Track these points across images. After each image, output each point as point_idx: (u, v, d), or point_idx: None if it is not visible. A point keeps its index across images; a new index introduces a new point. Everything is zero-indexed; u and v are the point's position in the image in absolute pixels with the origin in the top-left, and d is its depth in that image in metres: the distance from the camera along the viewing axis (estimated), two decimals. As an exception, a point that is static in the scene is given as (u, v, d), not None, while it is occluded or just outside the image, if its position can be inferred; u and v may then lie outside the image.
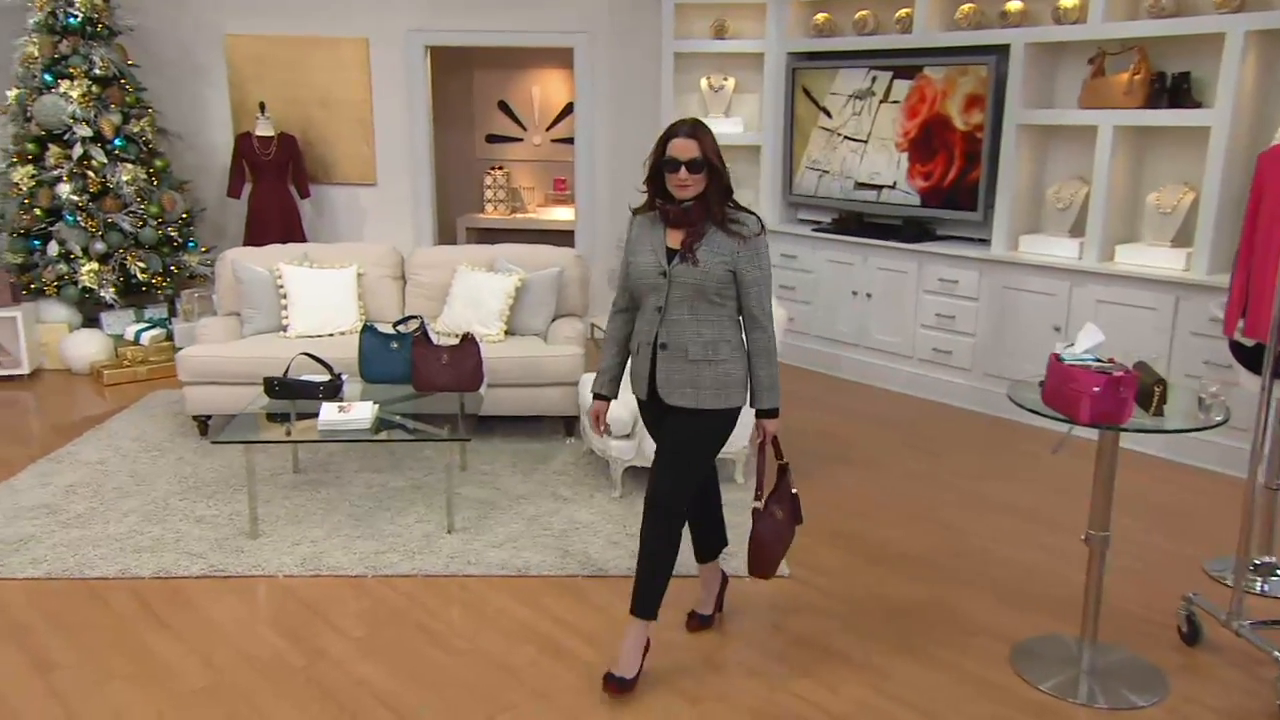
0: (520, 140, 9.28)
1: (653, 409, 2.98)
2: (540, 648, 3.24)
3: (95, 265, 6.28)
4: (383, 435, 4.08)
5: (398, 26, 7.18)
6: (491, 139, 9.28)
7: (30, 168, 6.30)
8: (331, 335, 5.12)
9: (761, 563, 3.16)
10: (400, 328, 4.59)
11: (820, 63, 6.62)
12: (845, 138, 6.50)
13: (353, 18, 7.18)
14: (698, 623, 3.34)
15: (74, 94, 6.27)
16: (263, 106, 6.94)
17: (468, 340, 4.41)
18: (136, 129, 6.51)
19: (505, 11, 7.15)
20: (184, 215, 6.73)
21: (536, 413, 5.07)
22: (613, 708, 2.91)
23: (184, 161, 7.09)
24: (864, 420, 5.67)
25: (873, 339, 6.33)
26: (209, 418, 5.02)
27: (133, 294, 6.50)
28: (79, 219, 6.27)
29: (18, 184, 6.30)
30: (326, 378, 4.31)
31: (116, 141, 6.40)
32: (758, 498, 3.09)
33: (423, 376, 4.35)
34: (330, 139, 7.29)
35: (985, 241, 5.81)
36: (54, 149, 6.30)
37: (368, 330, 4.52)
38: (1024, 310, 5.52)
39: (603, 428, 3.23)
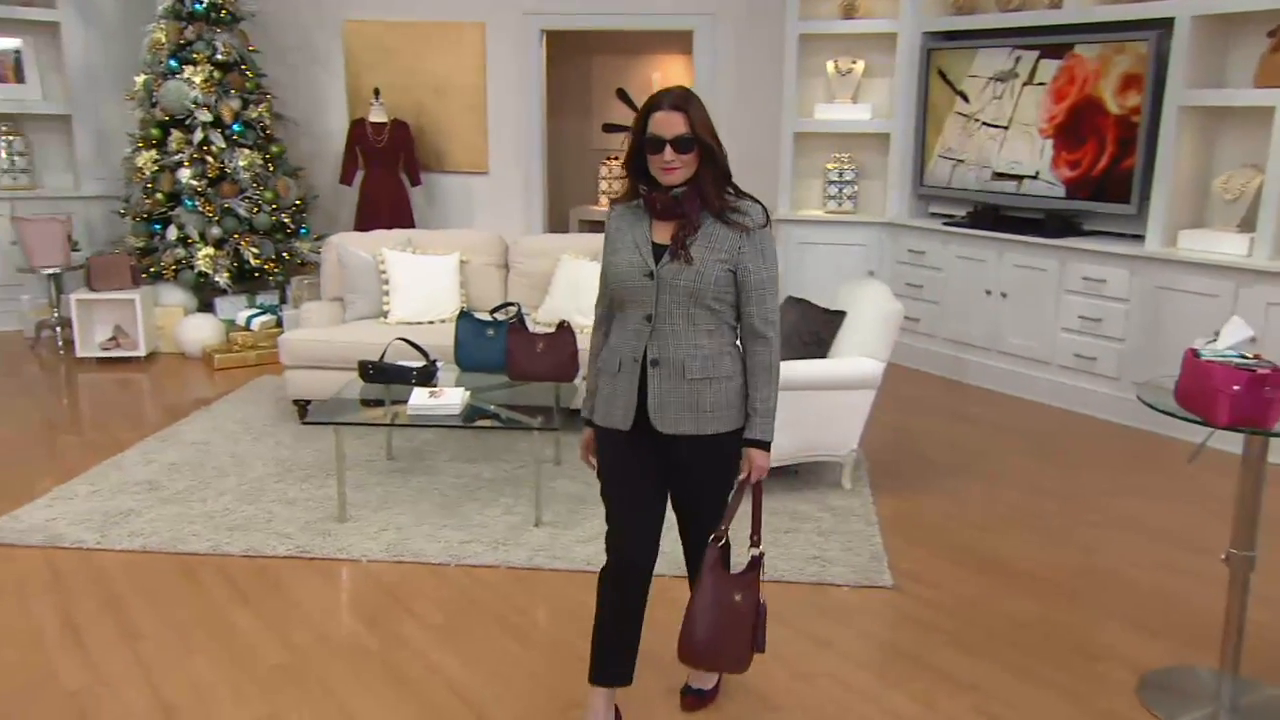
0: (639, 129, 9.36)
1: (636, 441, 2.51)
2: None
3: (211, 250, 6.67)
4: (473, 423, 4.18)
5: (514, 10, 7.36)
6: (608, 128, 9.40)
7: (154, 153, 6.74)
8: (431, 322, 5.28)
9: (691, 640, 2.51)
10: (497, 315, 4.70)
11: (959, 42, 6.45)
12: (983, 124, 6.30)
13: (471, 2, 7.40)
14: (694, 699, 2.90)
15: (197, 79, 6.68)
16: (377, 93, 7.23)
17: (563, 329, 4.47)
18: (255, 114, 6.88)
19: (626, -7, 7.24)
20: (298, 201, 7.07)
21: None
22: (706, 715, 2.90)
23: (299, 148, 7.46)
24: (993, 430, 5.47)
25: (1006, 343, 6.10)
26: (309, 402, 5.25)
27: (246, 280, 6.87)
28: (197, 204, 6.67)
29: (141, 169, 6.75)
30: (421, 363, 4.45)
31: (235, 127, 6.79)
32: (719, 532, 2.54)
33: (517, 364, 4.43)
34: (443, 126, 7.53)
35: (1138, 237, 5.53)
36: (176, 134, 6.72)
37: (464, 317, 4.65)
38: (1181, 313, 5.22)
39: (596, 460, 2.70)
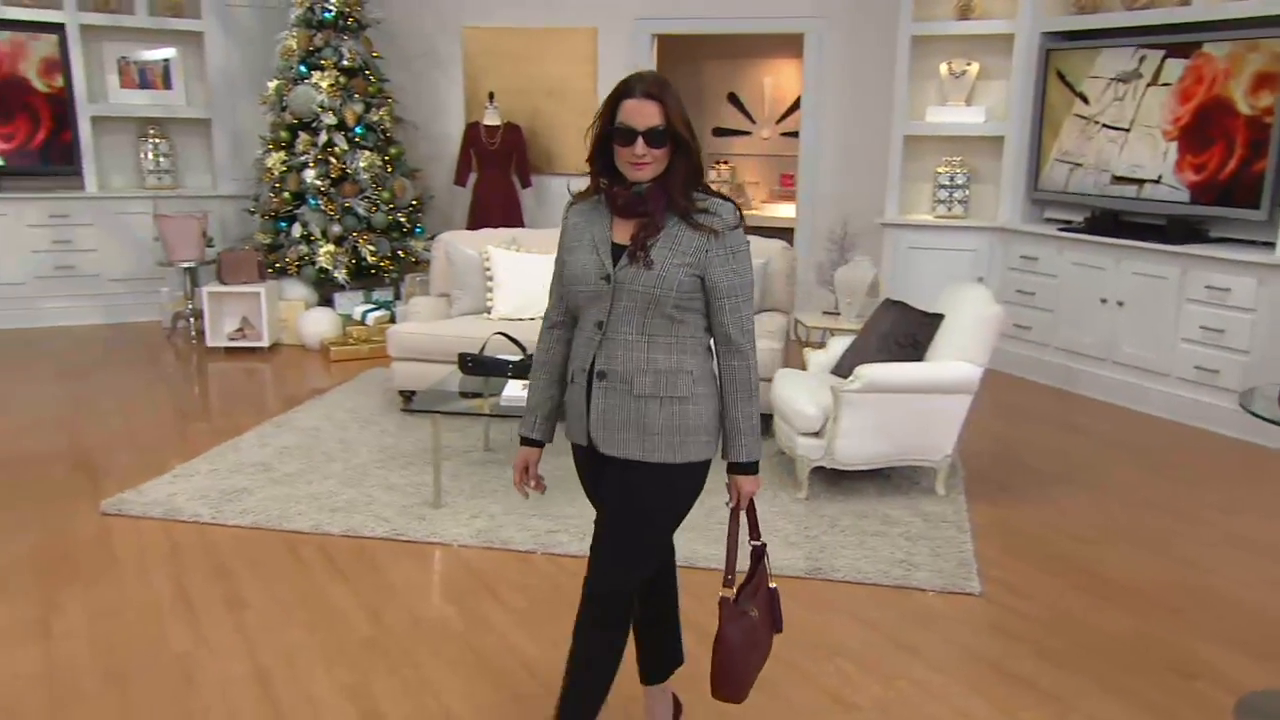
0: (748, 134, 9.36)
1: (590, 460, 2.31)
2: (696, 637, 3.26)
3: (331, 247, 6.97)
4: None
5: (626, 14, 7.46)
6: (718, 132, 9.43)
7: (282, 154, 7.09)
8: (532, 318, 5.37)
9: (729, 677, 2.34)
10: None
11: (1079, 43, 6.25)
12: (1103, 126, 6.09)
13: (584, 7, 7.54)
14: None
15: (324, 84, 7.00)
16: (491, 96, 7.43)
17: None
18: (376, 117, 7.16)
19: (737, -4, 7.26)
20: (414, 202, 7.33)
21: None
22: (760, 692, 2.90)
23: (418, 150, 7.73)
24: (1102, 442, 5.27)
25: (1121, 353, 5.87)
26: (414, 392, 5.43)
27: (363, 276, 7.15)
28: (320, 203, 6.98)
29: (270, 169, 7.10)
30: (519, 357, 4.55)
31: (357, 129, 7.08)
32: (727, 583, 2.32)
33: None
34: (555, 129, 7.69)
35: (1269, 244, 5.25)
36: (303, 136, 7.06)
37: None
38: (1311, 325, 4.94)
39: (533, 484, 2.46)
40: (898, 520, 4.17)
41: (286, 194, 7.08)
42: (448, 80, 7.91)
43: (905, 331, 4.52)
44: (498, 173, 7.36)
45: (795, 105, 8.87)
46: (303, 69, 7.07)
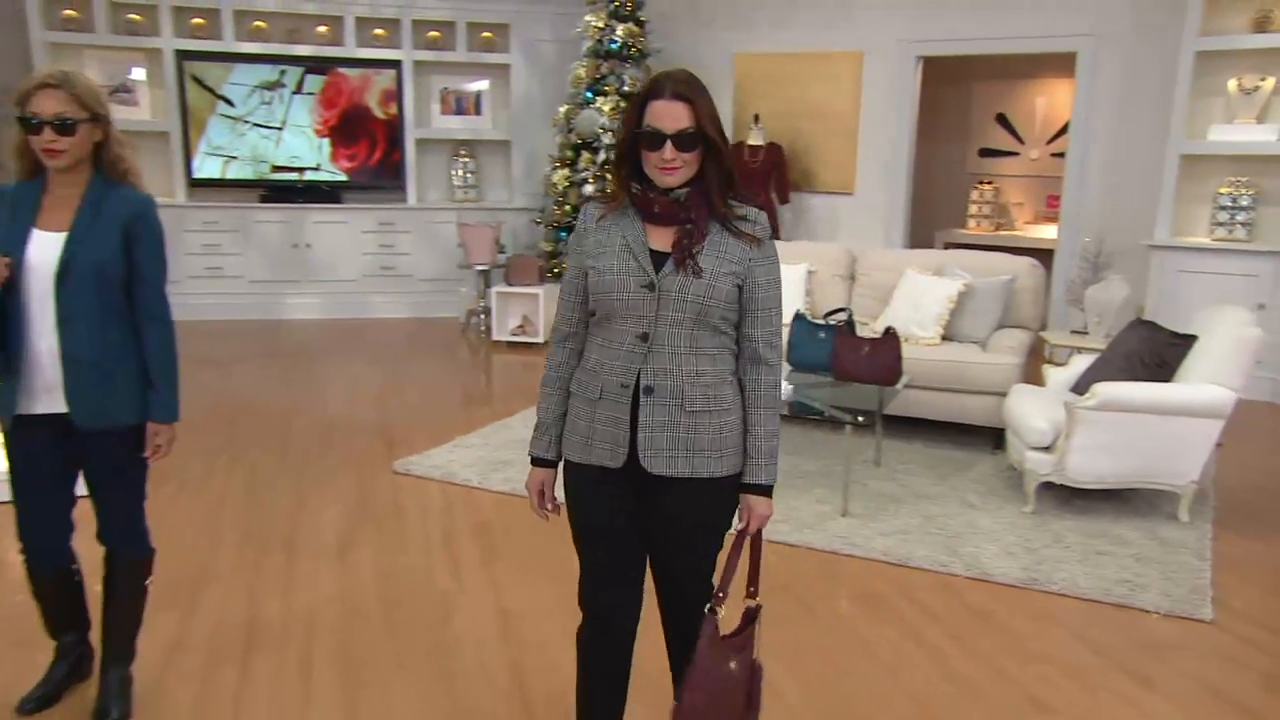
0: (1016, 154, 8.99)
1: (617, 480, 2.07)
2: (902, 633, 3.29)
3: (603, 255, 7.42)
4: (794, 414, 4.36)
5: (892, 38, 7.43)
6: (985, 153, 9.12)
7: (566, 171, 7.65)
8: (776, 325, 5.52)
9: (691, 709, 2.06)
10: (829, 319, 4.84)
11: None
12: None
13: (850, 32, 7.58)
14: None
15: (605, 108, 7.49)
16: (756, 118, 7.64)
17: (889, 334, 4.52)
18: (649, 139, 7.56)
19: (1008, 16, 7.03)
20: (679, 216, 7.66)
21: (964, 420, 5.01)
22: (956, 686, 2.88)
23: (687, 169, 8.06)
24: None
25: None
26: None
27: (630, 282, 7.56)
28: (596, 215, 7.46)
29: (556, 184, 7.69)
30: (756, 358, 4.70)
31: (632, 150, 7.50)
32: (718, 599, 2.08)
33: (842, 365, 4.55)
34: (815, 149, 7.77)
35: None
36: (585, 155, 7.58)
37: (798, 319, 4.84)
38: None
39: (550, 505, 2.24)
40: (1130, 542, 3.93)
41: (568, 206, 7.63)
42: (718, 103, 8.11)
43: (1152, 351, 4.25)
44: (756, 189, 7.54)
45: (1067, 126, 8.43)
46: (589, 95, 7.60)
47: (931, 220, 9.00)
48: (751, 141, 7.59)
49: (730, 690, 2.07)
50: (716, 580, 2.12)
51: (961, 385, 4.90)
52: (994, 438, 5.01)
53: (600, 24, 7.58)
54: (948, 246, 8.93)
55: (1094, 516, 4.18)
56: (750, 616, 2.12)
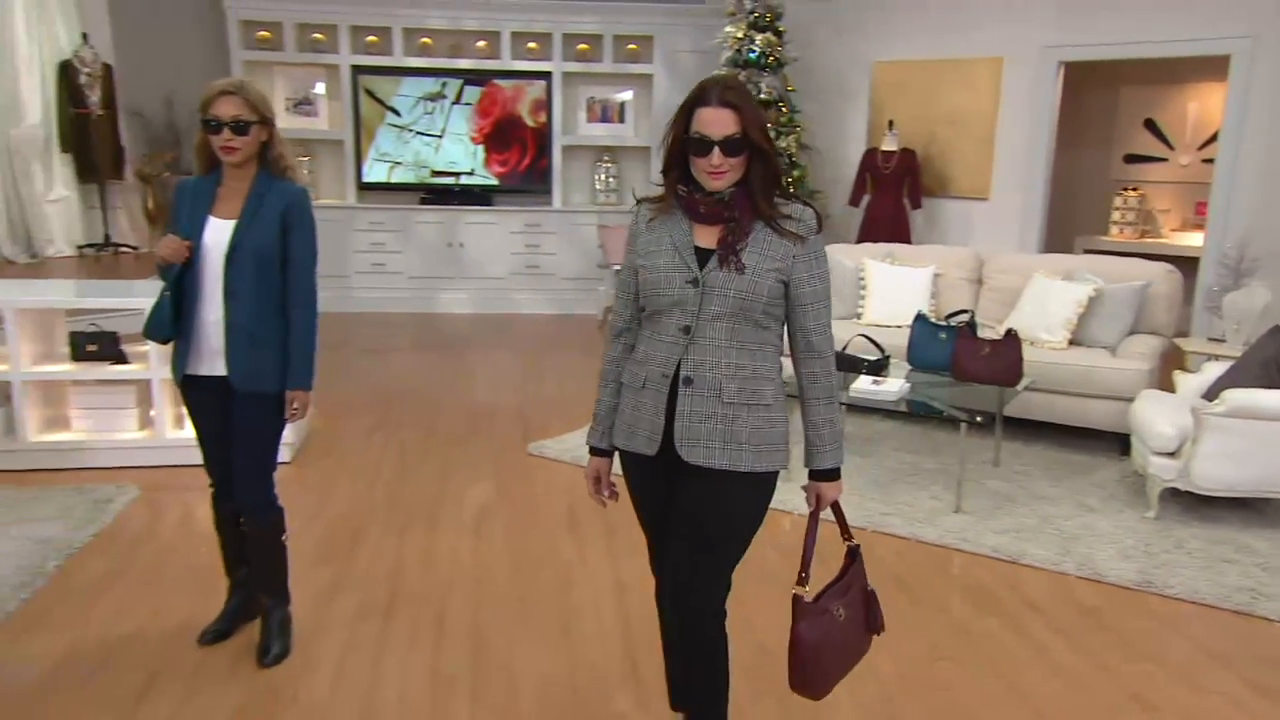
0: (1164, 160, 8.56)
1: (659, 469, 2.13)
2: (1002, 622, 3.28)
3: (735, 257, 7.52)
4: (908, 410, 4.36)
5: (1034, 43, 7.23)
6: (1130, 159, 8.73)
7: (702, 177, 7.77)
8: (899, 326, 5.47)
9: (806, 675, 2.15)
10: (951, 320, 4.79)
11: None
12: None
13: (991, 38, 7.42)
14: None
15: (741, 117, 7.57)
16: (891, 124, 7.58)
17: (1010, 336, 4.45)
18: (782, 144, 7.61)
19: (1158, 19, 6.75)
20: (811, 220, 7.68)
21: (1088, 425, 4.88)
22: (1061, 680, 2.86)
23: (821, 174, 8.07)
24: None
25: None
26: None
27: (761, 284, 7.62)
28: (730, 219, 7.57)
29: (690, 189, 7.82)
30: (875, 357, 4.71)
31: (767, 155, 7.57)
32: (800, 580, 2.14)
33: (961, 366, 4.51)
34: (949, 155, 7.64)
35: None
36: (720, 162, 7.68)
37: (919, 319, 4.82)
38: None
39: (607, 493, 2.31)
40: (1257, 552, 3.77)
41: (703, 210, 7.75)
42: (854, 110, 8.16)
43: (1290, 360, 4.05)
44: (889, 194, 7.48)
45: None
46: (726, 103, 7.70)
47: (1072, 226, 8.69)
48: (885, 147, 7.53)
49: (843, 629, 2.20)
50: (728, 576, 2.19)
51: (1087, 390, 4.77)
52: (1120, 444, 4.85)
53: (739, 34, 7.68)
54: (1087, 253, 8.61)
55: (1220, 525, 4.02)
56: (851, 555, 2.28)
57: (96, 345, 4.51)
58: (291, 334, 2.82)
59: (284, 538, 3.02)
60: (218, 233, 2.73)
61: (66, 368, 4.52)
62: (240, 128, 2.66)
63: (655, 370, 2.10)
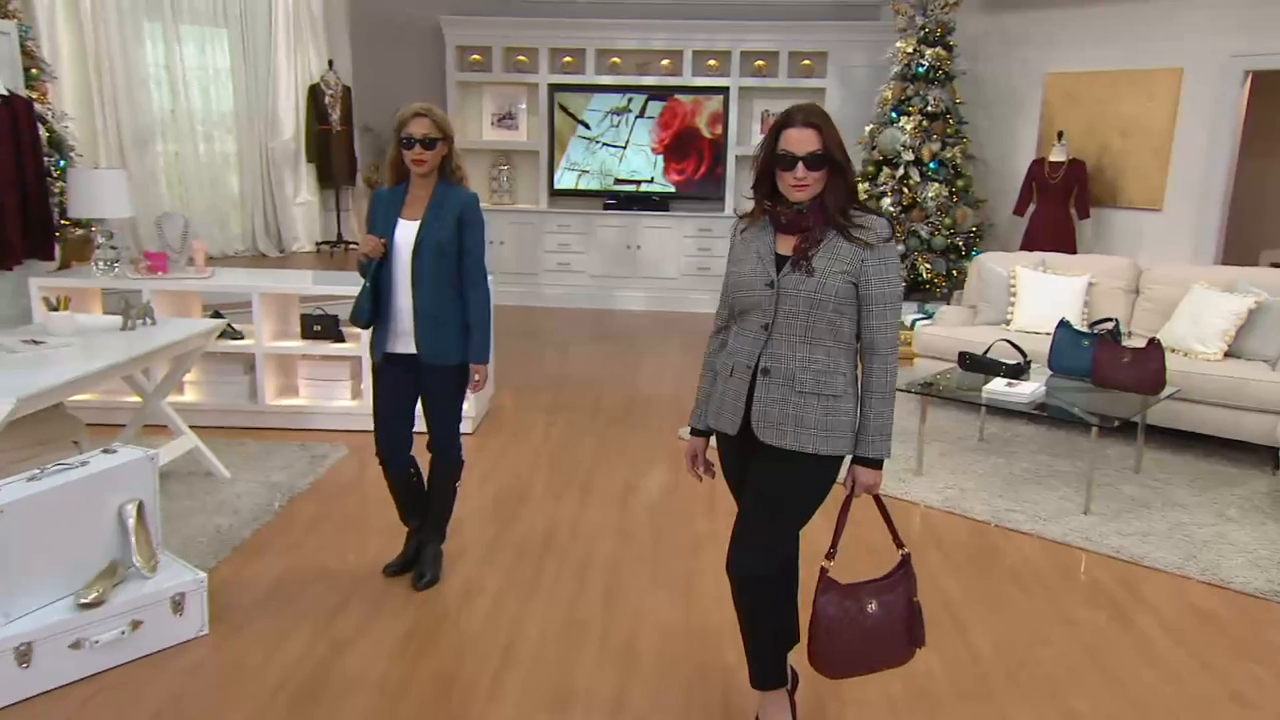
0: (1369, 170, 7.80)
1: (739, 448, 2.33)
2: (1111, 616, 3.25)
3: (896, 263, 7.49)
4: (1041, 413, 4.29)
5: (1218, 52, 6.80)
6: (1327, 169, 7.99)
7: (867, 185, 7.79)
8: (1047, 334, 5.34)
9: (819, 648, 2.27)
10: (1095, 328, 4.66)
11: None
12: None
13: (1171, 48, 7.03)
14: None
15: (908, 127, 7.54)
16: (1060, 135, 7.31)
17: (1152, 344, 4.31)
18: (949, 155, 7.51)
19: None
20: (973, 229, 7.53)
21: (1241, 437, 4.62)
22: (1156, 672, 2.83)
23: (986, 184, 7.88)
24: None
25: None
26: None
27: (918, 289, 7.56)
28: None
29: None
30: (1015, 361, 4.66)
31: (931, 165, 7.50)
32: (828, 555, 2.29)
33: (1101, 372, 4.40)
34: (1121, 166, 7.29)
35: None
36: (885, 171, 7.67)
37: (1062, 325, 4.72)
38: None
39: (703, 469, 2.52)
40: (1403, 574, 3.51)
41: (866, 218, 7.75)
42: (1024, 121, 7.91)
43: None
44: (1055, 205, 7.21)
45: None
46: (893, 115, 7.68)
47: (1259, 239, 8.05)
48: (1053, 158, 7.27)
49: (876, 628, 2.29)
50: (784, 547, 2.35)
51: (1241, 402, 4.52)
52: (1274, 458, 4.58)
53: (909, 49, 7.63)
54: (1275, 266, 7.96)
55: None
56: (904, 563, 2.35)
57: (321, 326, 5.13)
58: (471, 315, 3.19)
59: (457, 484, 3.42)
60: (406, 232, 3.13)
61: (297, 344, 5.16)
62: (429, 143, 3.06)
63: (740, 361, 2.30)
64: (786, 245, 2.25)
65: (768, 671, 2.45)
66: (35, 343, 3.66)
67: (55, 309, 3.83)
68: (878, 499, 2.36)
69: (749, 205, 2.37)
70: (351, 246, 8.64)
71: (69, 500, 2.83)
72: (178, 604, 2.96)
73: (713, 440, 2.47)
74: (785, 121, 2.19)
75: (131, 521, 2.97)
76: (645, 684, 2.82)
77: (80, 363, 3.45)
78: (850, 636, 2.27)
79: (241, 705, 2.67)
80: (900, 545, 2.38)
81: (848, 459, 2.30)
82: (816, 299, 2.19)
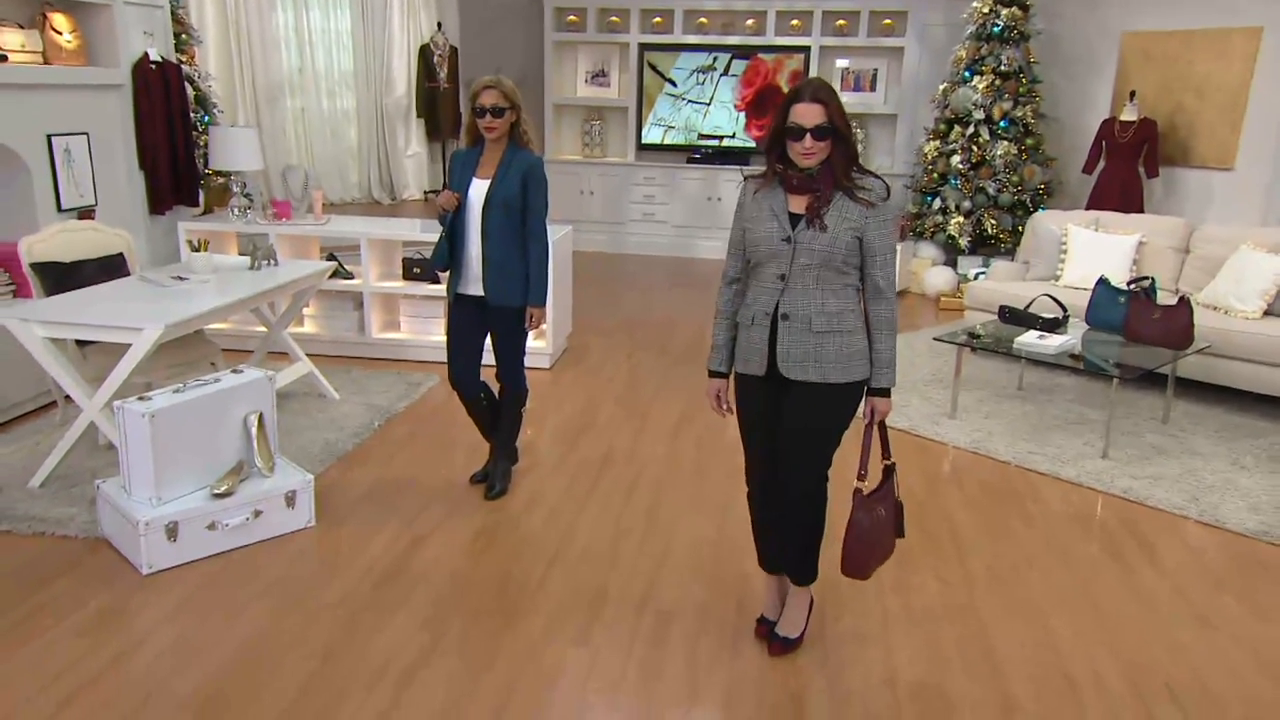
0: None
1: (766, 388, 2.54)
2: (1103, 548, 3.40)
3: (960, 219, 7.47)
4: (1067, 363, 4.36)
5: (1302, 10, 6.47)
6: None
7: (937, 143, 7.74)
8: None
9: (855, 556, 2.55)
10: (1132, 285, 4.67)
11: None
12: None
13: (1252, 7, 6.72)
14: (780, 646, 2.74)
15: (980, 86, 7.43)
16: (1132, 94, 7.10)
17: (1182, 301, 4.32)
18: (1019, 114, 7.38)
19: None
20: (1040, 186, 7.42)
21: (1273, 393, 4.59)
22: (1129, 607, 2.99)
23: (1060, 142, 7.72)
24: None
25: None
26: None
27: (984, 244, 7.52)
28: (959, 183, 7.50)
29: (926, 154, 7.81)
30: (1053, 315, 4.71)
31: (1001, 123, 7.39)
32: (860, 477, 2.53)
33: (1132, 327, 4.44)
34: (1195, 125, 7.04)
35: None
36: (956, 129, 7.60)
37: (1101, 282, 4.74)
38: None
39: (725, 407, 2.69)
40: (1407, 527, 3.52)
41: (935, 174, 7.73)
42: (1099, 80, 7.67)
43: None
44: (1124, 163, 7.02)
45: None
46: (967, 74, 7.58)
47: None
48: (1124, 117, 7.07)
49: (882, 527, 2.59)
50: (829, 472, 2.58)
51: (1275, 359, 4.49)
52: (1305, 414, 4.54)
53: (986, 9, 7.48)
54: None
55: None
56: (887, 472, 2.64)
57: (420, 269, 5.55)
58: (530, 264, 3.50)
59: (522, 409, 3.77)
60: (478, 189, 3.45)
61: (398, 284, 5.60)
62: (498, 112, 3.35)
63: (760, 310, 2.51)
64: (798, 204, 2.43)
65: (811, 567, 2.71)
66: (180, 279, 4.16)
67: (197, 250, 4.32)
68: (882, 423, 2.60)
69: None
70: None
71: (205, 410, 3.30)
72: (290, 499, 3.42)
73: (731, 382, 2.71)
74: (795, 97, 2.37)
75: (254, 430, 3.43)
76: (671, 585, 3.14)
77: (216, 297, 3.93)
78: (872, 540, 2.55)
79: (337, 583, 3.11)
80: (887, 456, 2.65)
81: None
82: (829, 252, 2.40)
